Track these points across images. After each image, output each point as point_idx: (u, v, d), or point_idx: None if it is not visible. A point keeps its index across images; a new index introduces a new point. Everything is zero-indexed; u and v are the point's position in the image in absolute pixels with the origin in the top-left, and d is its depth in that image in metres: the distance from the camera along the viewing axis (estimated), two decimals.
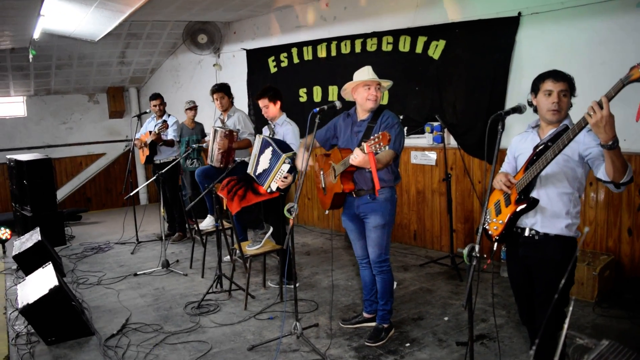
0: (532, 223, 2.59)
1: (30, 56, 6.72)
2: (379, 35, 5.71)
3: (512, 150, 2.80)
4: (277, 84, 6.43)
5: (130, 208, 6.39)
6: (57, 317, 3.64)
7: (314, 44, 6.45)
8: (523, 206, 2.53)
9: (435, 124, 5.28)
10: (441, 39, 5.18)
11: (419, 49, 5.37)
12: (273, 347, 3.48)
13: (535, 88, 2.56)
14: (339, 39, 6.14)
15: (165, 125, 6.08)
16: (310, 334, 3.68)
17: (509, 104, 4.69)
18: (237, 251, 4.31)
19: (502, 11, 4.68)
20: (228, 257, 5.30)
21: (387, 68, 5.45)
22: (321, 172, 3.65)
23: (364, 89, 3.37)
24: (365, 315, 3.80)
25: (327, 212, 3.67)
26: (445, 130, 5.19)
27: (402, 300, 4.24)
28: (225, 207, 4.41)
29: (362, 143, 3.00)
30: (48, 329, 3.65)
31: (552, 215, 2.54)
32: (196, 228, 5.04)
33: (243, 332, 3.79)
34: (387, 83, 3.45)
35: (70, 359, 3.48)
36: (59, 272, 4.65)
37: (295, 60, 6.74)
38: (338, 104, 3.36)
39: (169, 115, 6.48)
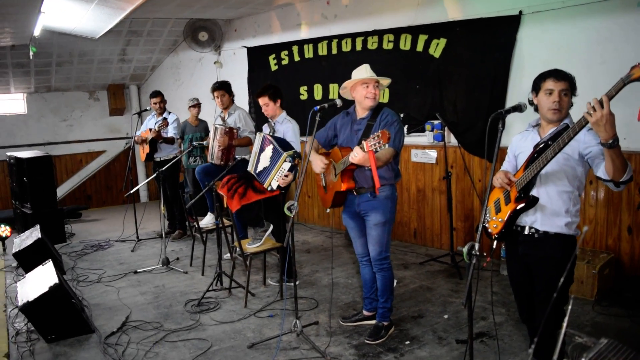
0: (532, 221, 2.59)
1: (31, 53, 6.70)
2: (380, 33, 5.70)
3: (513, 148, 2.81)
4: (278, 82, 6.44)
5: (131, 205, 6.38)
6: (57, 314, 3.64)
7: (315, 41, 6.44)
8: (523, 204, 2.53)
9: (436, 122, 5.28)
10: (442, 38, 5.17)
11: (419, 47, 5.37)
12: (273, 345, 3.48)
13: (536, 87, 2.56)
14: (340, 37, 6.13)
15: (165, 122, 6.07)
16: (310, 332, 3.69)
17: (510, 103, 4.68)
18: (237, 249, 4.31)
19: (503, 10, 4.68)
20: (228, 254, 5.29)
21: (388, 66, 5.46)
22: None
23: (363, 87, 3.36)
24: (365, 313, 3.80)
25: (328, 210, 3.67)
26: (446, 128, 5.18)
27: (402, 298, 4.24)
28: (225, 205, 4.42)
29: (362, 141, 2.99)
30: (48, 327, 3.65)
31: (552, 213, 2.54)
32: (196, 226, 5.04)
33: (243, 330, 3.79)
34: (385, 81, 3.44)
35: (70, 356, 3.48)
36: (59, 269, 4.66)
37: (296, 58, 6.73)
38: (339, 102, 3.35)
39: (169, 112, 6.48)
